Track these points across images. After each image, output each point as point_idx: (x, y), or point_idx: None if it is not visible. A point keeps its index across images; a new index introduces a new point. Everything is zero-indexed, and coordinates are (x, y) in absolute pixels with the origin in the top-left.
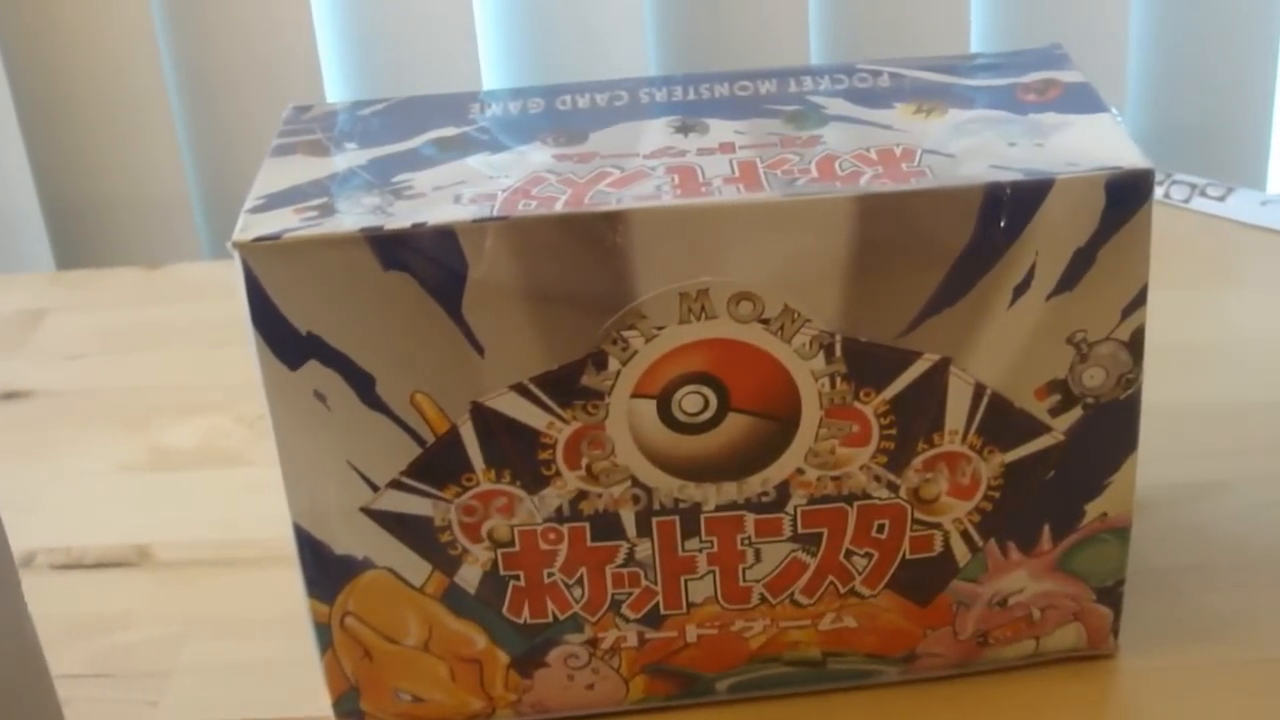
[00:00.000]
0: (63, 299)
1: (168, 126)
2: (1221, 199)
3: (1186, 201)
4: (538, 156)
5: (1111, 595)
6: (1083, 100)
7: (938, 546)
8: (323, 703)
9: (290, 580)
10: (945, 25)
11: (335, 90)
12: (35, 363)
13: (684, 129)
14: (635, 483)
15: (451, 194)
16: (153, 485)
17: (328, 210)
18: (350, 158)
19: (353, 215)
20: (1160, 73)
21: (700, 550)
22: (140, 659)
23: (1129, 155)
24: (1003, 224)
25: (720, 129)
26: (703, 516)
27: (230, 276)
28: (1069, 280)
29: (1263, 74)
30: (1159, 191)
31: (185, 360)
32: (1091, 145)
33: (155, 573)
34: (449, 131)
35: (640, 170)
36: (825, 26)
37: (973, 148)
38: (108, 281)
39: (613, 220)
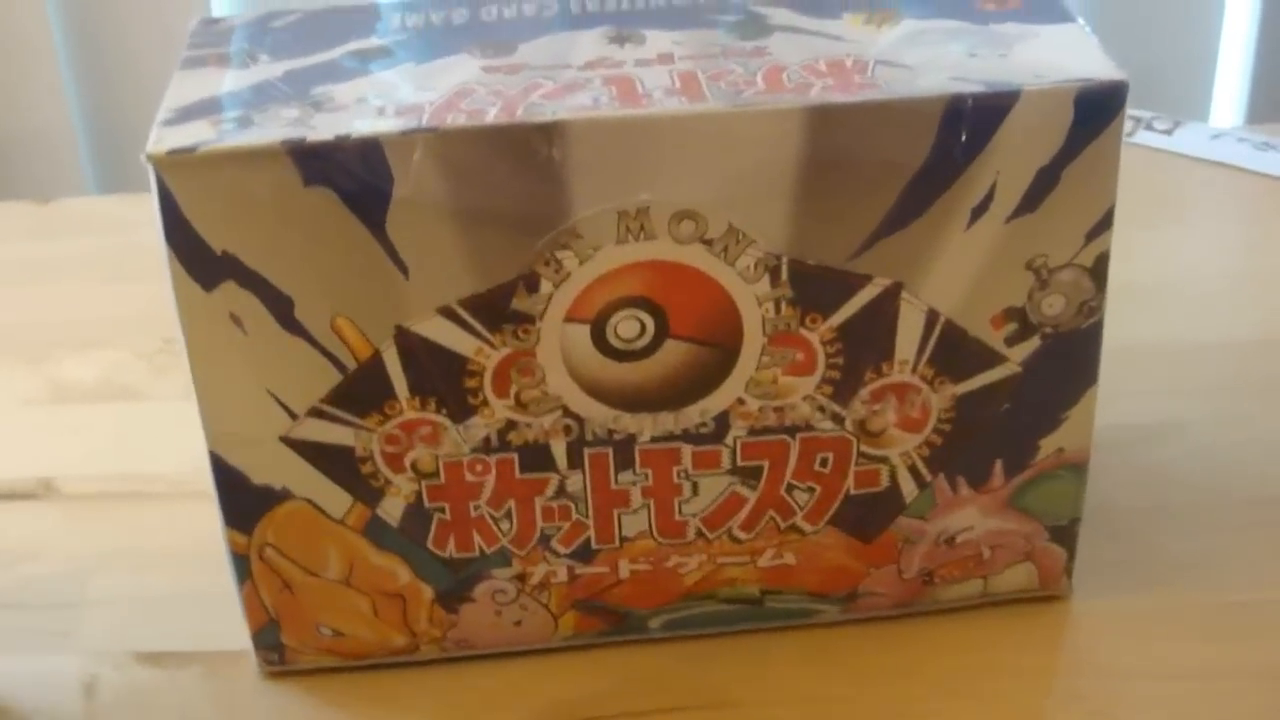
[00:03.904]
0: None
1: (50, 60)
2: (1169, 133)
3: (1131, 135)
4: (465, 68)
5: (1066, 535)
6: (1047, 10)
7: (884, 481)
8: (238, 635)
9: (199, 514)
10: None
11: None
12: None
13: (619, 40)
14: (567, 412)
15: (375, 106)
16: (54, 419)
17: (245, 123)
18: (265, 70)
19: (272, 127)
20: (1101, 6)
21: (634, 483)
22: (50, 591)
23: (1100, 66)
24: (963, 139)
25: (657, 39)
26: (637, 448)
27: (122, 210)
28: (1031, 201)
29: (1209, 8)
30: None
31: (80, 294)
32: (1059, 56)
33: (61, 505)
34: (369, 43)
35: (575, 81)
36: None
37: (930, 59)
38: None
39: (547, 132)
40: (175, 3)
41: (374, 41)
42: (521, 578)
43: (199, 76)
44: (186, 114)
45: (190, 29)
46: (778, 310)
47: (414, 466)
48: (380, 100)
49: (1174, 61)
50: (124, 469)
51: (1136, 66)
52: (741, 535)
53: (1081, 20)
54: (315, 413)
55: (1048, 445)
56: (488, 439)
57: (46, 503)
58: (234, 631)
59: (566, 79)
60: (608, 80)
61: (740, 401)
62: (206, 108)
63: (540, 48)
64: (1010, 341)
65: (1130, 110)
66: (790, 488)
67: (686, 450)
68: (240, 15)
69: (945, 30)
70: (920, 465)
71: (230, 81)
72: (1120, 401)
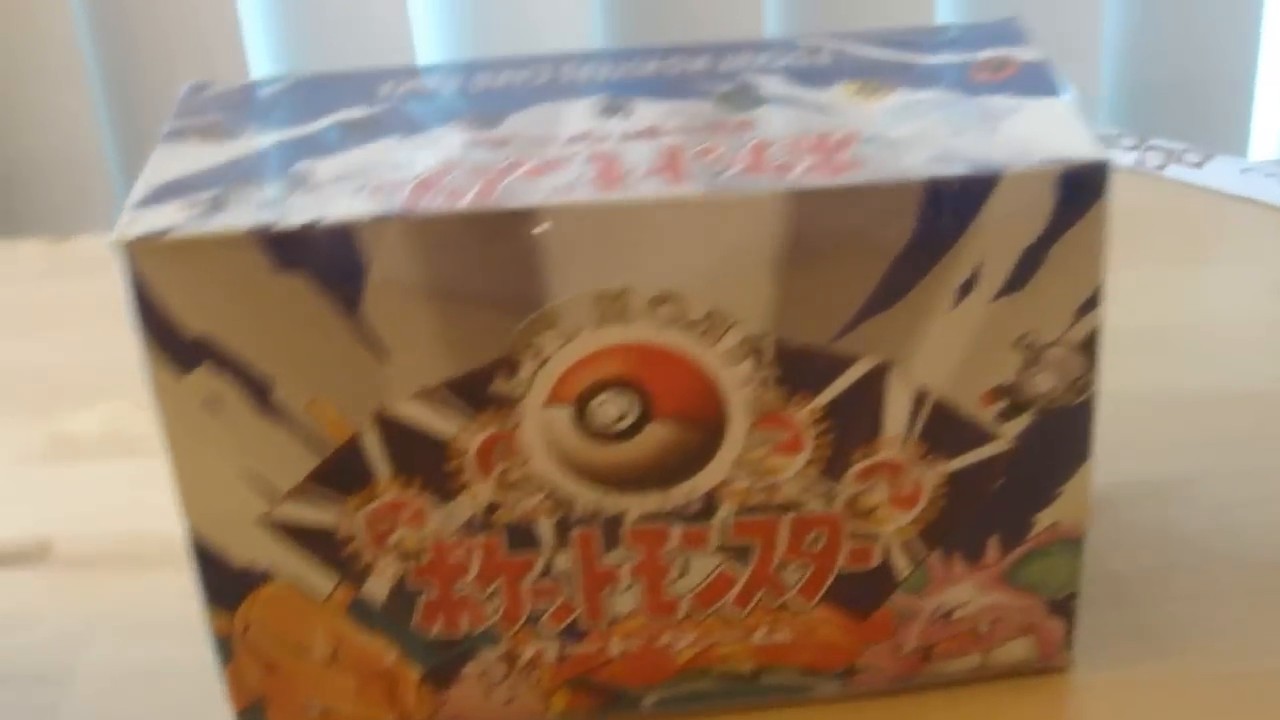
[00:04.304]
0: None
1: (81, 85)
2: (1199, 166)
3: (1161, 169)
4: (450, 141)
5: (1064, 607)
6: (1038, 81)
7: (877, 559)
8: (226, 711)
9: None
10: None
11: (257, 44)
12: None
13: (608, 110)
14: (552, 493)
15: (354, 185)
16: (54, 475)
17: (219, 204)
18: (248, 143)
19: (245, 210)
20: (1139, 26)
21: (623, 562)
22: (38, 662)
23: (1083, 146)
24: (945, 221)
25: (647, 111)
26: (625, 527)
27: None
28: (1017, 280)
29: (1246, 27)
30: (1131, 158)
31: (89, 341)
32: (1044, 133)
33: (56, 569)
34: (356, 113)
35: (558, 158)
36: (781, 5)
37: (917, 134)
38: (7, 255)
39: (524, 217)
40: (212, 27)
41: (361, 111)
42: (511, 656)
43: (180, 150)
44: (161, 194)
45: (178, 96)
46: (763, 391)
47: (398, 547)
48: (360, 178)
49: (1212, 83)
50: (122, 530)
51: (1173, 88)
52: (733, 613)
53: (1070, 93)
54: (296, 494)
55: (1043, 520)
56: (472, 519)
57: (41, 566)
58: (222, 707)
59: (550, 155)
60: (591, 157)
61: (728, 481)
62: (182, 187)
63: (528, 119)
64: (1001, 418)
65: (1161, 142)
66: (782, 566)
67: (675, 530)
68: (229, 82)
69: (935, 102)
70: (914, 542)
71: (210, 156)
72: (1129, 455)
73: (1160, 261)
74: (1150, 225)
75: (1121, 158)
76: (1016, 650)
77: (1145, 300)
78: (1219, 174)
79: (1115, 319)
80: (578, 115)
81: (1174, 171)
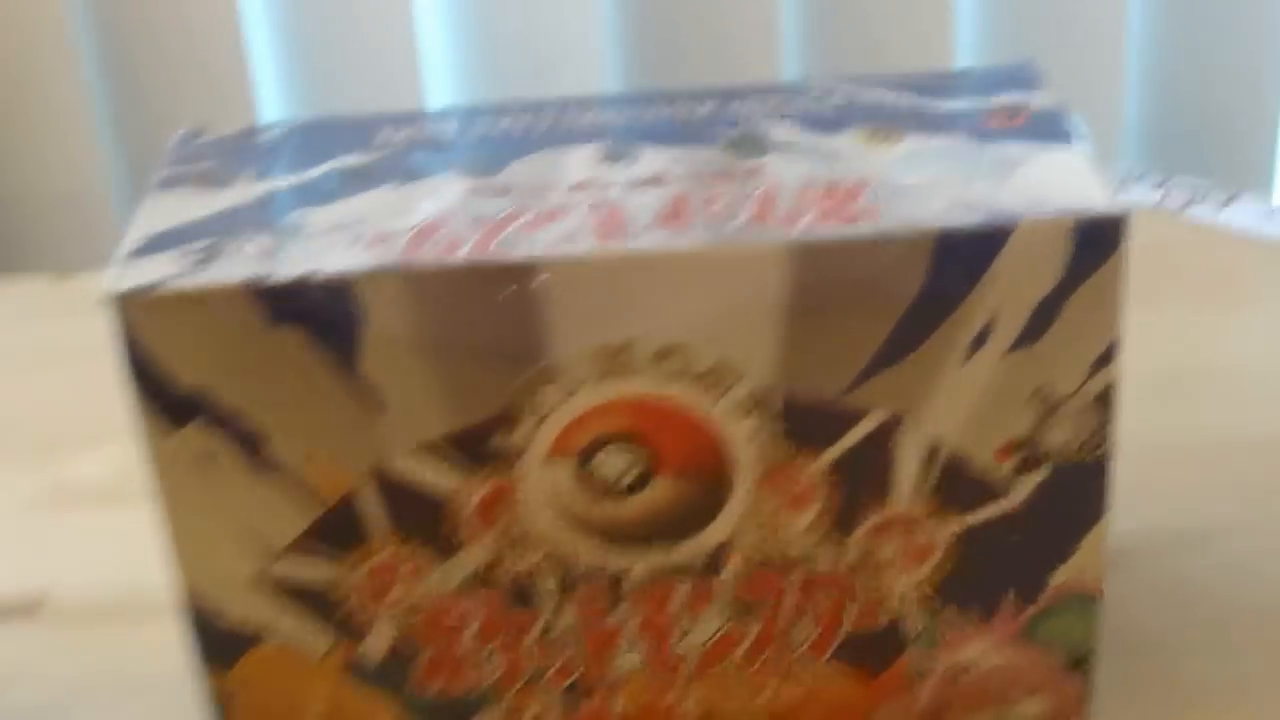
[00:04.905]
0: None
1: (87, 120)
2: (1223, 207)
3: (1185, 209)
4: (449, 190)
5: (1081, 664)
6: (1053, 128)
7: (889, 615)
8: None
9: None
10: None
11: (266, 81)
12: None
13: (612, 157)
14: (553, 549)
15: (351, 234)
16: (53, 524)
17: (213, 255)
18: (242, 191)
19: (239, 261)
20: (1164, 62)
21: (626, 620)
22: None
23: (1099, 197)
24: (958, 272)
25: (652, 157)
26: (628, 584)
27: None
28: (1032, 333)
29: (1274, 63)
30: (1155, 197)
31: (94, 382)
32: (1059, 183)
33: (51, 624)
34: (353, 160)
35: (560, 207)
36: (798, 48)
37: (929, 182)
38: (9, 292)
39: (523, 269)
40: (220, 62)
41: (359, 159)
42: (513, 715)
43: (173, 199)
44: (153, 245)
45: (171, 143)
46: (770, 446)
47: (396, 605)
48: (356, 228)
49: (1237, 119)
50: (121, 581)
51: (1197, 124)
52: (741, 671)
53: (1085, 140)
54: (291, 552)
55: (1059, 577)
56: (472, 576)
57: (36, 621)
58: None
59: (551, 204)
60: (593, 206)
61: (735, 537)
62: (175, 237)
63: (529, 166)
64: (1017, 473)
65: (1186, 182)
66: (790, 623)
67: (680, 587)
68: (224, 128)
69: (948, 150)
70: (926, 599)
71: (203, 206)
72: (1149, 504)
73: (1182, 304)
74: (1173, 267)
75: (1145, 197)
76: (1032, 708)
77: (1167, 344)
78: (1244, 215)
79: (1136, 363)
80: (580, 163)
81: (1198, 212)
